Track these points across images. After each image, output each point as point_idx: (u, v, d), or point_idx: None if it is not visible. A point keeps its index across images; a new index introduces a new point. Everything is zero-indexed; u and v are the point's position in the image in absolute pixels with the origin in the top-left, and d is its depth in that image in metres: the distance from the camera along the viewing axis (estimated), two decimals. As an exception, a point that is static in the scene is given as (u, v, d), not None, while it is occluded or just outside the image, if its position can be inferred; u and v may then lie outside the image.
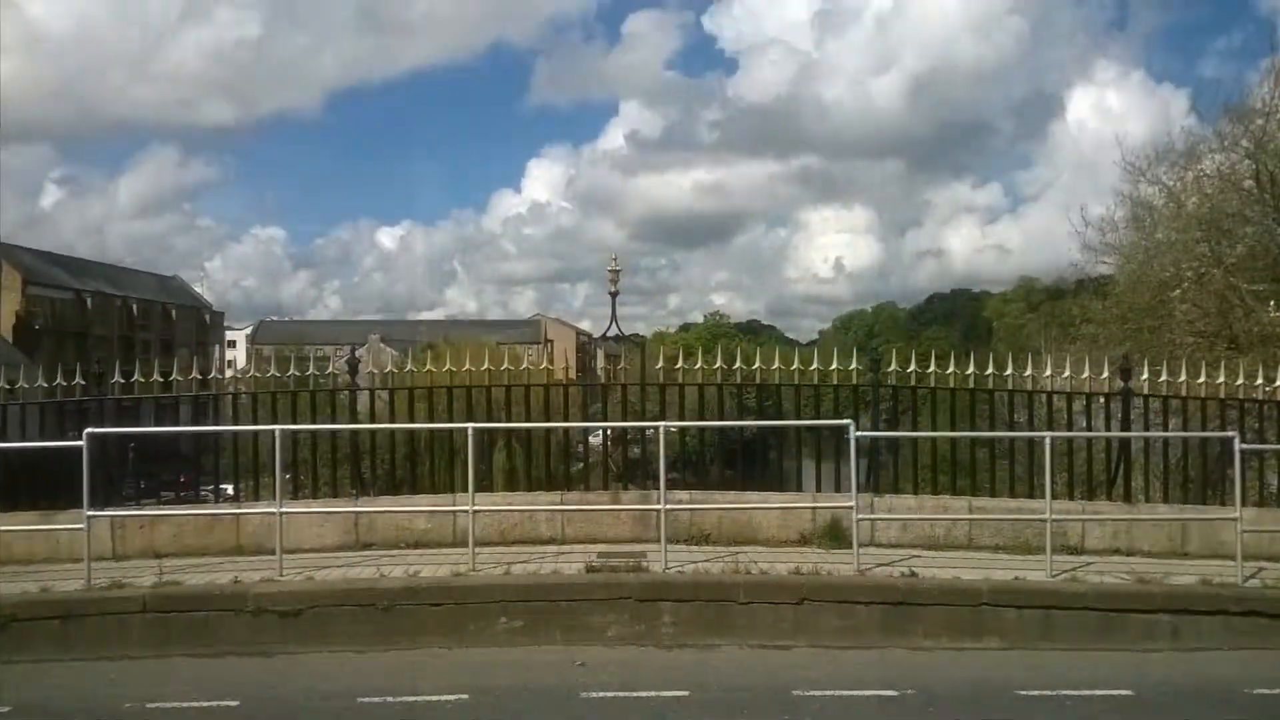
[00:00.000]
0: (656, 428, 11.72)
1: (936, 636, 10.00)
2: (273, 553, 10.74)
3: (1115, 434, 12.72)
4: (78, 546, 10.88)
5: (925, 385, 13.39)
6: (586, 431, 14.19)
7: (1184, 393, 13.00)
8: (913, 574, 10.60)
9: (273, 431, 11.36)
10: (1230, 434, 11.63)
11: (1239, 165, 25.89)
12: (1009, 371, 13.06)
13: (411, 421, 13.24)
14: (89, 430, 10.81)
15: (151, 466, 14.40)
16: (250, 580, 10.40)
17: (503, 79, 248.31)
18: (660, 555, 10.82)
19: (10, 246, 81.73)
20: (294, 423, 13.29)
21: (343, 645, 9.82)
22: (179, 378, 13.24)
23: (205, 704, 8.32)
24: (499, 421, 13.16)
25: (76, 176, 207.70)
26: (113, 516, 11.79)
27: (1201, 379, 13.04)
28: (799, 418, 13.20)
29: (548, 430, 13.13)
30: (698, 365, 13.28)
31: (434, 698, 8.37)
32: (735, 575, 10.58)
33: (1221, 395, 13.16)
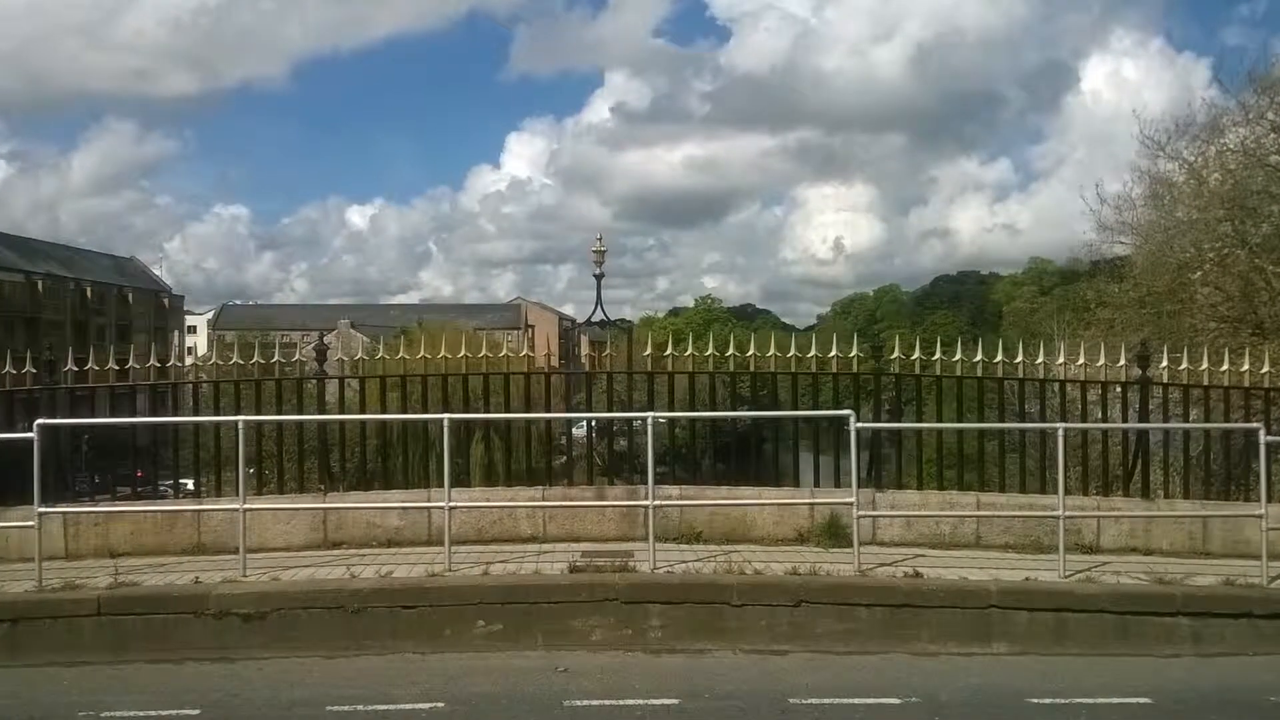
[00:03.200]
0: (644, 419, 11.70)
1: (942, 641, 10.01)
2: (236, 552, 10.71)
3: (1132, 425, 12.74)
4: (28, 545, 10.85)
5: (930, 373, 13.39)
6: (570, 423, 14.16)
7: (1205, 382, 13.02)
8: (917, 574, 10.60)
9: (236, 423, 11.30)
10: (1255, 425, 11.64)
11: (1265, 139, 25.88)
12: (1019, 359, 13.07)
13: (384, 412, 13.19)
14: (40, 421, 10.78)
15: (107, 460, 14.39)
16: (212, 581, 10.37)
17: (481, 48, 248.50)
18: (648, 554, 10.80)
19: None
20: (258, 413, 13.28)
21: (310, 650, 9.79)
22: (136, 365, 13.19)
23: (164, 712, 8.31)
24: (477, 412, 13.10)
25: (26, 152, 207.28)
26: (65, 513, 11.75)
27: (1224, 367, 13.07)
28: (796, 408, 13.19)
29: (528, 421, 13.13)
30: (688, 352, 13.26)
31: (408, 706, 8.36)
32: (728, 576, 10.58)
33: (1245, 384, 13.21)
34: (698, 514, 12.19)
